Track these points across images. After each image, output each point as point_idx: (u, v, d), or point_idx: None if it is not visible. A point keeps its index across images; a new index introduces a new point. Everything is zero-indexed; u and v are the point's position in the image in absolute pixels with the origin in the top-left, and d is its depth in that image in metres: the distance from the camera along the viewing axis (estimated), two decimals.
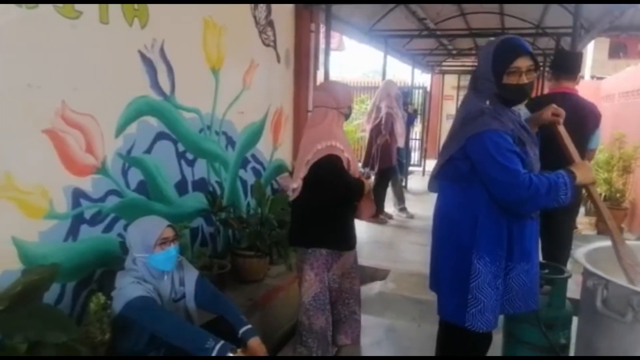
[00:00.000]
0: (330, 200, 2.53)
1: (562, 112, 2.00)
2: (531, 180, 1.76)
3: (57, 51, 2.20)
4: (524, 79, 1.81)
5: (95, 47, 2.40)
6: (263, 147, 4.22)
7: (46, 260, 2.16)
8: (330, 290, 2.67)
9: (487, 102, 1.85)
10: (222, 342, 1.88)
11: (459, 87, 11.34)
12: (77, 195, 2.38)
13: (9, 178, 2.02)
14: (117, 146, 2.61)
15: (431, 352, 2.81)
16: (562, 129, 2.00)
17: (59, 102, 2.23)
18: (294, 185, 2.58)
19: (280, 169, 4.59)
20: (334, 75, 5.63)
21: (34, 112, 2.12)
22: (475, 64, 11.12)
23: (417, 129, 11.19)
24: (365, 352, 2.85)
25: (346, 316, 2.81)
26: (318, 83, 5.27)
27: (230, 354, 1.85)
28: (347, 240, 2.67)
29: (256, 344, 2.08)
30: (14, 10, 2.00)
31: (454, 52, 9.73)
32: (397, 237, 5.39)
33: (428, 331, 3.05)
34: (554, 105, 2.02)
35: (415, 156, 11.06)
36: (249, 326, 2.13)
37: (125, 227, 2.65)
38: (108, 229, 2.58)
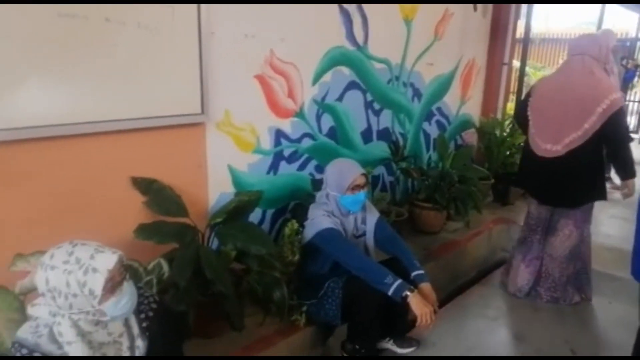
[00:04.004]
0: (620, 152, 2.49)
1: None
2: None
3: (269, 4, 2.46)
4: None
5: None
6: (450, 101, 4.13)
7: (253, 188, 2.54)
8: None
9: None
10: (400, 280, 1.98)
11: None
12: (279, 135, 2.70)
13: (227, 115, 2.39)
14: (313, 93, 2.85)
15: (616, 334, 2.54)
16: None
17: (268, 51, 2.52)
18: (575, 133, 2.47)
19: (466, 124, 4.45)
20: (538, 27, 5.10)
21: (248, 59, 2.44)
22: None
23: (637, 90, 9.51)
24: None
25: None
26: (517, 35, 4.86)
27: (408, 293, 1.95)
28: None
29: (427, 289, 2.12)
30: None
31: None
32: (595, 208, 4.77)
33: (619, 311, 2.74)
34: None
35: (632, 121, 9.46)
36: (422, 271, 2.18)
37: (317, 168, 2.93)
38: (302, 167, 2.89)
